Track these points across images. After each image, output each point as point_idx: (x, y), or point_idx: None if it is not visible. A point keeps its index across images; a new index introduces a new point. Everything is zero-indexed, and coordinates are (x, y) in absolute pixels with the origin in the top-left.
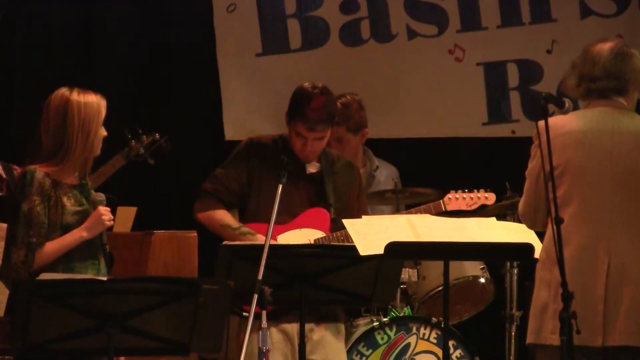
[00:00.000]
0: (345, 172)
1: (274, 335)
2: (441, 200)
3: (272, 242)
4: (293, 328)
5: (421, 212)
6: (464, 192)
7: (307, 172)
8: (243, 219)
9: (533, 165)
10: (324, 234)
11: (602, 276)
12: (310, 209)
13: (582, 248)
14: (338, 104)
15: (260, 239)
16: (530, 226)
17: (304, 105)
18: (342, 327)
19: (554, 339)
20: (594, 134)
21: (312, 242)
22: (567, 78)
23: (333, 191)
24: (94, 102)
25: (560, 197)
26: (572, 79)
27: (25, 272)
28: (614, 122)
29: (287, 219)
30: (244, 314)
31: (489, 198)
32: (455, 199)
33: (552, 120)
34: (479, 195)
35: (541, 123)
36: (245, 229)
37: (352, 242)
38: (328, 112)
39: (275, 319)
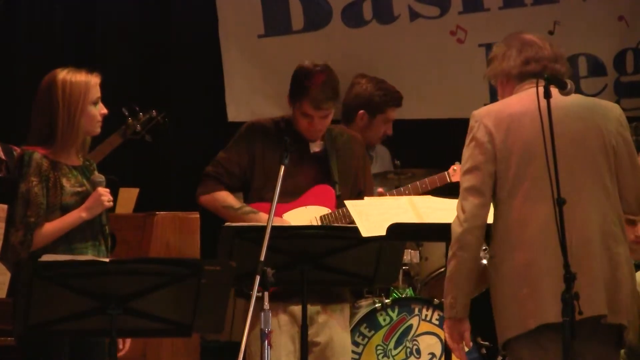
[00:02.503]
0: (348, 146)
1: (281, 316)
2: (446, 172)
3: (278, 220)
4: (298, 310)
5: (426, 185)
6: None
7: (312, 152)
8: (247, 199)
9: (474, 155)
10: (330, 211)
11: (567, 252)
12: (315, 187)
13: (541, 227)
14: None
15: (263, 218)
16: (472, 249)
17: (308, 84)
18: (346, 308)
19: (529, 323)
20: (535, 112)
21: (318, 218)
22: (499, 63)
23: (337, 167)
24: (82, 80)
25: (510, 180)
26: (509, 61)
27: (24, 252)
28: (557, 98)
29: (293, 198)
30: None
31: None
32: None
33: (489, 106)
34: None
35: (478, 112)
36: (247, 208)
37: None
38: (332, 89)
39: (283, 300)
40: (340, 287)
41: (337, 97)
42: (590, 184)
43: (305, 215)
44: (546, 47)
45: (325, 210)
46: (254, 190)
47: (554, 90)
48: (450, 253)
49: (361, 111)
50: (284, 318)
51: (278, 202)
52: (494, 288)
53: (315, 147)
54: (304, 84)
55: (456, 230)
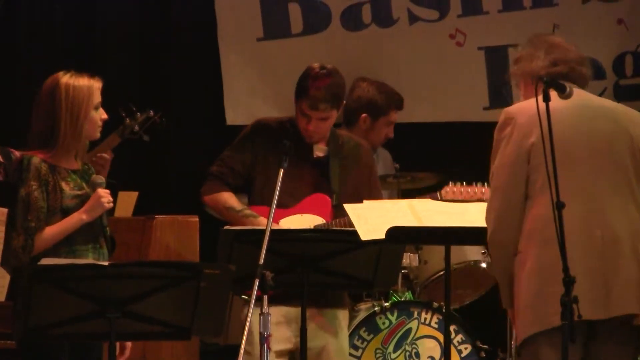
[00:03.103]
0: (354, 154)
1: (275, 319)
2: (438, 192)
3: (275, 226)
4: (295, 312)
5: None
6: (462, 185)
7: (315, 156)
8: (250, 201)
9: (506, 152)
10: (324, 221)
11: (597, 250)
12: (313, 195)
13: (572, 224)
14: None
15: (262, 222)
16: (503, 247)
17: (308, 84)
18: (345, 313)
19: (555, 320)
20: (567, 110)
21: (312, 228)
22: (526, 64)
23: (339, 175)
24: (85, 85)
25: (542, 177)
26: (537, 62)
27: (25, 257)
28: (584, 99)
29: (292, 202)
30: (243, 296)
31: (486, 193)
32: (453, 192)
33: (521, 104)
34: (475, 190)
35: (510, 109)
36: (248, 211)
37: (353, 227)
38: (333, 93)
39: (277, 303)
40: (338, 292)
41: (339, 102)
42: (620, 184)
43: (301, 223)
44: (572, 49)
45: (320, 220)
46: (256, 191)
47: (581, 92)
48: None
49: (364, 114)
50: (278, 320)
51: (276, 207)
52: (519, 284)
53: (319, 152)
54: (306, 83)
55: (488, 230)
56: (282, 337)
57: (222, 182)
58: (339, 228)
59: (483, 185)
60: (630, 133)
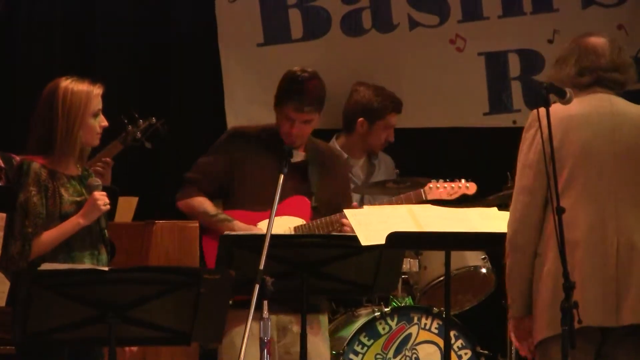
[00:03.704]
0: (332, 164)
1: (254, 326)
2: (422, 189)
3: (253, 228)
4: (273, 317)
5: (401, 201)
6: (445, 181)
7: (293, 161)
8: (226, 207)
9: (532, 153)
10: (304, 222)
11: (613, 256)
12: (291, 197)
13: (590, 229)
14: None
15: (237, 226)
16: (522, 250)
17: (293, 87)
18: (325, 318)
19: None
20: (595, 116)
21: (292, 229)
22: (558, 70)
23: (318, 181)
24: (83, 90)
25: (564, 180)
26: (566, 70)
27: (23, 263)
28: (611, 105)
29: (269, 207)
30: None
31: (470, 188)
32: (437, 188)
33: (551, 106)
34: (459, 185)
35: (541, 110)
36: (222, 215)
37: (333, 230)
38: (317, 96)
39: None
40: (315, 298)
41: (321, 105)
42: (638, 192)
43: (279, 225)
44: (605, 55)
45: (299, 221)
46: (232, 197)
47: (610, 98)
48: (506, 253)
49: (360, 118)
50: (256, 327)
51: (254, 210)
52: (537, 286)
53: (297, 157)
54: (291, 87)
55: (508, 231)
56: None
57: (196, 188)
58: (318, 231)
59: (467, 180)
60: None
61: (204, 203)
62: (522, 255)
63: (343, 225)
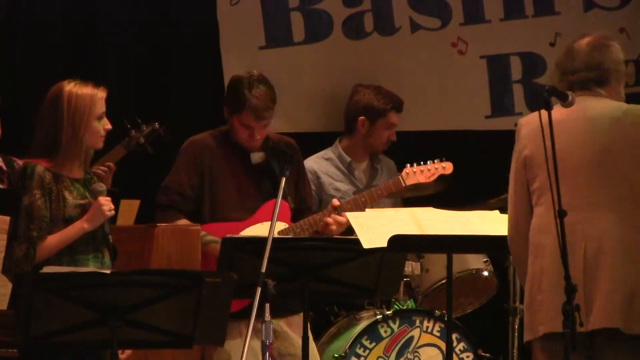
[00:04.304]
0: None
1: (241, 333)
2: (399, 176)
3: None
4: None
5: (381, 191)
6: (419, 164)
7: (254, 163)
8: (199, 220)
9: (512, 163)
10: (287, 225)
11: (580, 261)
12: (268, 202)
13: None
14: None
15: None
16: (517, 257)
17: (247, 96)
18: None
19: (541, 329)
20: (568, 122)
21: (277, 234)
22: (552, 78)
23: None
24: (87, 94)
25: (537, 188)
26: (555, 77)
27: (27, 267)
28: (585, 109)
29: (245, 214)
30: None
31: (447, 167)
32: (413, 173)
33: (532, 114)
34: (436, 167)
35: (521, 120)
36: (209, 237)
37: (317, 229)
38: (271, 99)
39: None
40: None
41: (274, 104)
42: (618, 198)
43: (263, 232)
44: (578, 56)
45: (282, 225)
46: (206, 210)
47: (585, 101)
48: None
49: (361, 118)
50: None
51: (231, 220)
52: (524, 291)
53: (258, 159)
54: (244, 94)
55: (507, 238)
56: (254, 353)
57: (175, 211)
58: (304, 232)
59: (441, 160)
60: (632, 138)
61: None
62: (519, 261)
63: (327, 224)
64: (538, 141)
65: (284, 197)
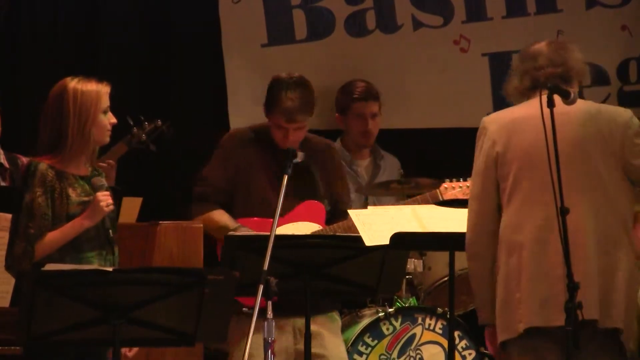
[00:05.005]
0: (328, 155)
1: (261, 332)
2: (437, 190)
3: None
4: (285, 323)
5: (418, 202)
6: (459, 181)
7: (295, 163)
8: (233, 214)
9: (478, 162)
10: (320, 227)
11: (559, 255)
12: (304, 202)
13: (537, 231)
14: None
15: None
16: (479, 258)
17: (280, 97)
18: (336, 315)
19: (520, 327)
20: (537, 118)
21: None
22: (507, 84)
23: (321, 179)
24: (92, 90)
25: (509, 185)
26: (512, 81)
27: (26, 264)
28: (559, 104)
29: (281, 212)
30: (244, 309)
31: None
32: (452, 188)
33: (497, 113)
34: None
35: (486, 118)
36: (243, 228)
37: (352, 232)
38: (306, 102)
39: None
40: (341, 298)
41: (312, 107)
42: (588, 189)
43: (297, 231)
44: (542, 54)
45: (316, 227)
46: (240, 204)
47: (557, 98)
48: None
49: (337, 115)
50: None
51: (265, 216)
52: (496, 291)
53: (297, 158)
54: (277, 95)
55: (466, 240)
56: (282, 348)
57: (209, 202)
58: (341, 234)
59: None
60: (604, 135)
61: (222, 216)
62: (480, 263)
63: None
64: (509, 138)
65: (319, 199)
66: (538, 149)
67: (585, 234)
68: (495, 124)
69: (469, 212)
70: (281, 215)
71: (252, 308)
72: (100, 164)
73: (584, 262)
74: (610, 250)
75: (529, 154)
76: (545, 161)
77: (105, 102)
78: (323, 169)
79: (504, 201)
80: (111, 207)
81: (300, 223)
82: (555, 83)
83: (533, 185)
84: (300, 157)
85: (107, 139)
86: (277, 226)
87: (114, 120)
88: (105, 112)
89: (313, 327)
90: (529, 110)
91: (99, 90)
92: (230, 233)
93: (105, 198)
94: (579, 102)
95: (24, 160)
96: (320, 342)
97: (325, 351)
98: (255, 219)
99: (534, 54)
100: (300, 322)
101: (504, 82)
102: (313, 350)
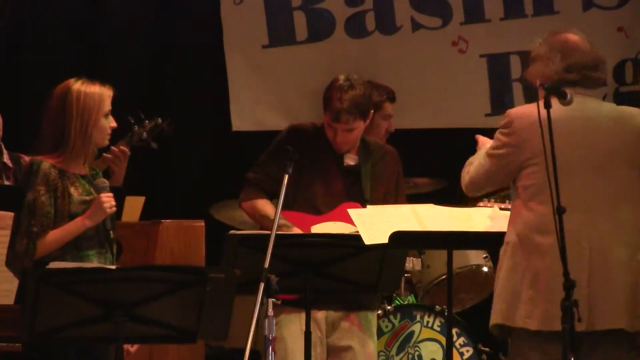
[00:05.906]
0: (384, 161)
1: (302, 322)
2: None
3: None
4: (320, 315)
5: None
6: (496, 201)
7: (345, 165)
8: (283, 206)
9: (501, 153)
10: (356, 229)
11: (585, 261)
12: (345, 203)
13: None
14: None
15: (295, 232)
16: (470, 193)
17: (331, 96)
18: (371, 316)
19: (529, 323)
20: (567, 121)
21: None
22: (543, 66)
23: (371, 183)
24: (96, 92)
25: (534, 186)
26: (553, 66)
27: (28, 262)
28: (582, 110)
29: (325, 209)
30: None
31: None
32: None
33: (523, 107)
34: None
35: (512, 111)
36: (282, 220)
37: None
38: (355, 105)
39: (303, 307)
40: (365, 295)
41: (364, 112)
42: (614, 194)
43: (333, 230)
44: (587, 51)
45: (351, 228)
46: (289, 196)
47: (592, 101)
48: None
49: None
50: (302, 324)
51: (308, 212)
52: (500, 275)
53: (350, 161)
54: (329, 95)
55: (466, 178)
56: (315, 340)
57: (258, 189)
58: (341, 233)
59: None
60: (629, 141)
61: (265, 206)
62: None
63: None
64: (539, 136)
65: (362, 202)
66: (570, 154)
67: (611, 239)
68: (525, 120)
69: (479, 167)
70: (322, 213)
71: (283, 300)
72: (113, 148)
73: (609, 268)
74: (636, 254)
75: (560, 158)
76: (577, 167)
77: (108, 105)
78: (376, 173)
79: (525, 198)
80: (114, 208)
81: (336, 223)
82: (592, 81)
83: (563, 192)
84: (353, 160)
85: (107, 142)
86: (315, 223)
87: (114, 124)
88: (106, 116)
89: (346, 321)
90: (558, 112)
91: (102, 94)
92: (233, 231)
93: (108, 199)
94: (602, 104)
95: (27, 159)
96: (351, 335)
97: (353, 347)
98: (297, 213)
99: (580, 47)
100: (334, 315)
101: (502, 82)
102: (341, 343)
